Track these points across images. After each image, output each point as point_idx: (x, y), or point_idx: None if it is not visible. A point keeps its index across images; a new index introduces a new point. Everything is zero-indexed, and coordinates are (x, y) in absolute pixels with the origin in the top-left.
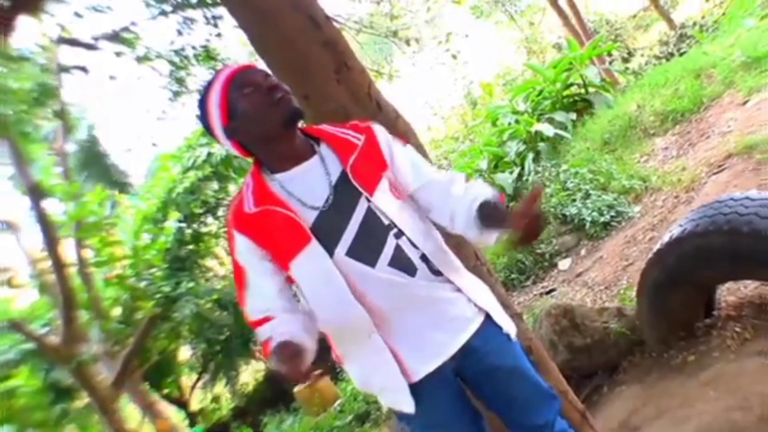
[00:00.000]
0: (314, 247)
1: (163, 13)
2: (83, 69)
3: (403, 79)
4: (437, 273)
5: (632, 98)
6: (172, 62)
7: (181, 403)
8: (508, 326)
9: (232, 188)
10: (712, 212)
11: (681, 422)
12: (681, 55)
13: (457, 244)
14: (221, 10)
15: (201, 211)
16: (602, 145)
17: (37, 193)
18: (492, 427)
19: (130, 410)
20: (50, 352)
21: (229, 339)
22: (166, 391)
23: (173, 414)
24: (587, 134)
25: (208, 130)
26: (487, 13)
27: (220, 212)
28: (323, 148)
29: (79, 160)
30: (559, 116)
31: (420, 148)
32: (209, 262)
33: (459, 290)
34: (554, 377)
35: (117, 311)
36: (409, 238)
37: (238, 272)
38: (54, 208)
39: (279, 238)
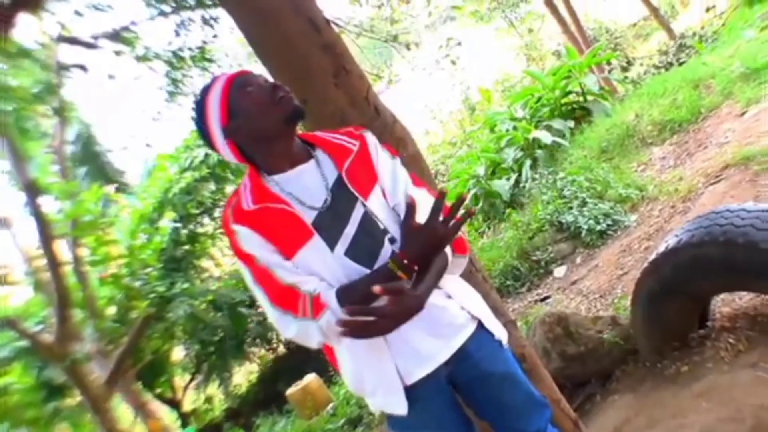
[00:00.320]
0: (317, 241)
1: (163, 13)
2: (82, 67)
3: (402, 83)
4: None
5: (631, 107)
6: (168, 62)
7: (174, 404)
8: (500, 333)
9: (229, 189)
10: (708, 223)
11: None
12: (680, 65)
13: None
14: (218, 12)
15: (197, 211)
16: (600, 153)
17: (33, 190)
18: None
19: (122, 409)
20: (44, 350)
21: (222, 340)
22: (158, 391)
23: (166, 414)
24: (585, 142)
25: (203, 132)
26: (486, 19)
27: (216, 213)
28: (319, 153)
29: (75, 157)
30: (558, 124)
31: (418, 154)
32: (205, 263)
33: (450, 297)
34: (547, 385)
35: (111, 310)
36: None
37: (249, 259)
38: (50, 205)
39: (281, 233)
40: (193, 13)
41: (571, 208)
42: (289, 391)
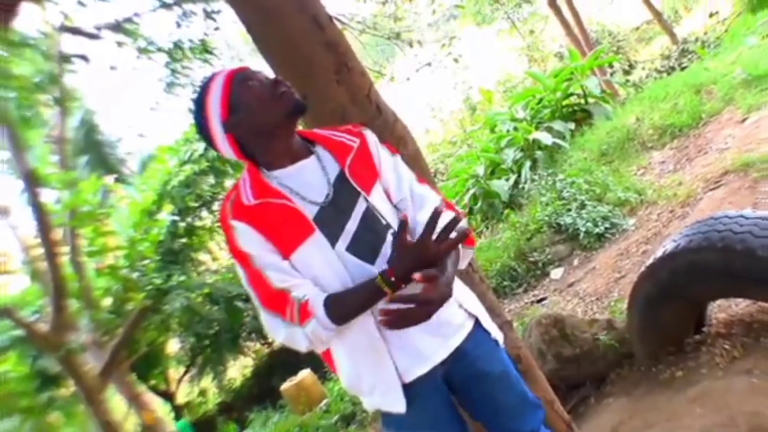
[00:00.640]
0: (318, 237)
1: (165, 5)
2: (84, 58)
3: (403, 80)
4: None
5: (631, 111)
6: (168, 53)
7: (168, 396)
8: (496, 332)
9: (228, 183)
10: (706, 229)
11: None
12: (682, 69)
13: None
14: (220, 5)
15: (196, 204)
16: (599, 156)
17: (32, 179)
18: None
19: (116, 401)
20: (39, 340)
21: (218, 334)
22: (153, 383)
23: (159, 406)
24: (585, 145)
25: (201, 127)
26: (489, 20)
27: (215, 206)
28: (319, 150)
29: (78, 146)
30: (558, 125)
31: (418, 153)
32: (202, 256)
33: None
34: (542, 387)
35: (108, 301)
36: None
37: (244, 258)
38: (49, 195)
39: (281, 229)
40: (195, 5)
41: (569, 210)
42: (284, 387)
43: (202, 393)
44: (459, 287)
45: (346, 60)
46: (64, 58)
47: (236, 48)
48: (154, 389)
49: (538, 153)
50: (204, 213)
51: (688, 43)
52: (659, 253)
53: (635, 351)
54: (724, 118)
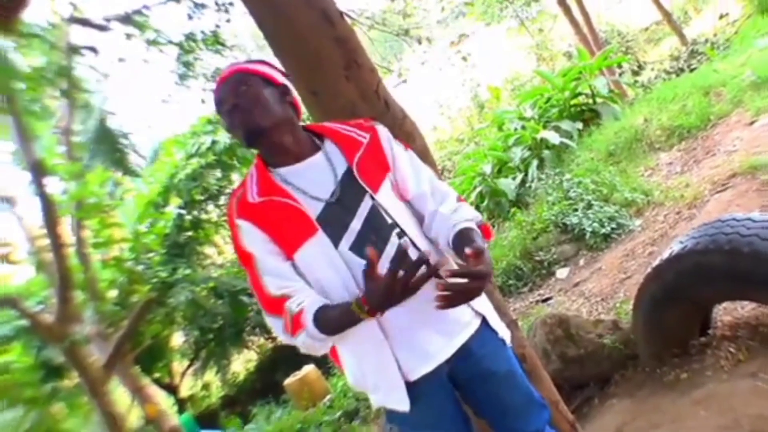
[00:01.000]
0: (321, 237)
1: None
2: (93, 49)
3: (411, 77)
4: (437, 275)
5: (640, 111)
6: (180, 46)
7: (171, 389)
8: (503, 331)
9: (235, 177)
10: (713, 231)
11: None
12: (691, 71)
13: None
14: None
15: (202, 198)
16: (607, 156)
17: (39, 170)
18: None
19: (119, 393)
20: (44, 330)
21: (222, 328)
22: (156, 375)
23: (162, 399)
24: (593, 145)
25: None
26: (498, 19)
27: (222, 200)
28: (328, 145)
29: (91, 137)
30: (566, 125)
31: (425, 150)
32: (208, 250)
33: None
34: (546, 387)
35: (113, 293)
36: (411, 239)
37: (246, 259)
38: (55, 186)
39: (284, 228)
40: None
41: (576, 209)
42: (287, 382)
43: (206, 387)
44: None
45: (356, 56)
46: (73, 50)
47: (242, 40)
48: (158, 382)
49: (546, 152)
50: (210, 206)
51: (698, 44)
52: (665, 255)
53: (640, 352)
54: (732, 120)
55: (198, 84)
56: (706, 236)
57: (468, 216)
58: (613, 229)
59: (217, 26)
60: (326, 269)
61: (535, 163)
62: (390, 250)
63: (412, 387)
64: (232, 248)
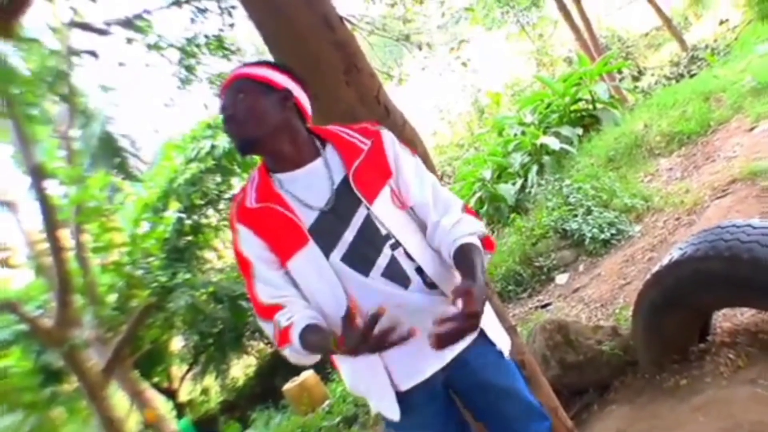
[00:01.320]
0: (311, 248)
1: (177, 2)
2: (93, 54)
3: (411, 82)
4: (432, 285)
5: (640, 117)
6: (183, 50)
7: (170, 393)
8: (502, 343)
9: (235, 181)
10: (713, 237)
11: None
12: (691, 77)
13: None
14: (235, 1)
15: (202, 202)
16: (607, 162)
17: (38, 174)
18: None
19: (118, 397)
20: (43, 335)
21: (222, 332)
22: (155, 380)
23: (162, 404)
24: (593, 150)
25: None
26: (498, 24)
27: (222, 205)
28: (328, 151)
29: (92, 142)
30: (566, 130)
31: (426, 155)
32: (207, 255)
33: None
34: (545, 393)
35: (112, 298)
36: (406, 250)
37: (244, 264)
38: (55, 191)
39: (278, 236)
40: (209, 1)
41: (576, 215)
42: (286, 387)
43: (205, 391)
44: None
45: (356, 61)
46: (73, 54)
47: (251, 44)
48: (157, 387)
49: (546, 158)
50: (210, 211)
51: (698, 50)
52: (665, 261)
53: (639, 358)
54: (732, 126)
55: (201, 88)
56: (705, 242)
57: (469, 230)
58: (612, 234)
59: (221, 30)
60: (317, 280)
61: (534, 168)
62: (382, 261)
63: (404, 396)
64: (233, 252)
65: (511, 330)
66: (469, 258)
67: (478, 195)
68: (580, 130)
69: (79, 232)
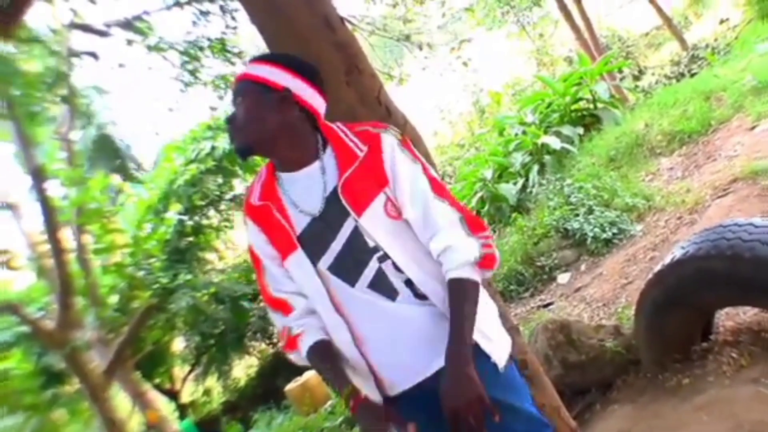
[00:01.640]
0: (300, 254)
1: (178, 3)
2: (93, 55)
3: (412, 83)
4: (422, 297)
5: (640, 116)
6: (185, 53)
7: (172, 395)
8: (498, 355)
9: (236, 182)
10: (715, 236)
11: None
12: (692, 76)
13: None
14: (237, 4)
15: (202, 203)
16: (608, 161)
17: (39, 176)
18: None
19: (120, 398)
20: (44, 337)
21: (223, 333)
22: (157, 381)
23: (164, 405)
24: (593, 150)
25: None
26: (499, 24)
27: (222, 205)
28: (327, 154)
29: (92, 144)
30: (567, 130)
31: (427, 155)
32: (209, 255)
33: (443, 315)
34: (548, 393)
35: (113, 299)
36: (394, 263)
37: (253, 255)
38: (56, 192)
39: (274, 237)
40: (211, 4)
41: (577, 215)
42: (288, 387)
43: (207, 392)
44: None
45: (357, 62)
46: (74, 55)
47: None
48: (159, 388)
49: (547, 157)
50: (211, 212)
51: (698, 49)
52: (667, 260)
53: (642, 358)
54: (733, 125)
55: (204, 91)
56: (707, 241)
57: (458, 260)
58: (614, 234)
59: (224, 33)
60: (306, 285)
61: (536, 168)
62: (368, 273)
63: (394, 400)
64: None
65: (513, 330)
66: (454, 311)
67: (479, 195)
68: (581, 130)
69: (81, 233)
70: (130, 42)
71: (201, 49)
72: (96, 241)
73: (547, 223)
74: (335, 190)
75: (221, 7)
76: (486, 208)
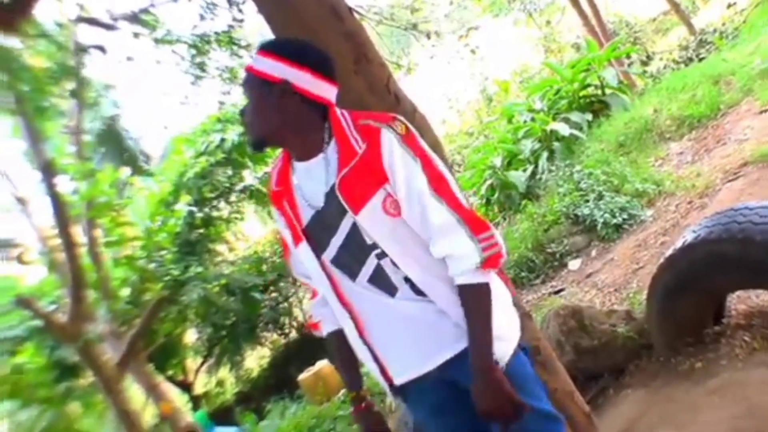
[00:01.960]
0: (305, 246)
1: None
2: (101, 48)
3: (419, 71)
4: (421, 293)
5: (649, 102)
6: (193, 46)
7: (185, 386)
8: (500, 353)
9: (245, 173)
10: (726, 220)
11: (686, 429)
12: (700, 60)
13: None
14: None
15: (212, 195)
16: (617, 147)
17: (49, 170)
18: None
19: (134, 391)
20: (57, 330)
21: (235, 324)
22: (170, 373)
23: (177, 396)
24: (602, 136)
25: None
26: (506, 10)
27: (232, 197)
28: (331, 148)
29: (99, 137)
30: (575, 116)
31: (436, 143)
32: (219, 247)
33: (444, 312)
34: (561, 378)
35: (125, 292)
36: (392, 260)
37: (282, 236)
38: (66, 186)
39: (287, 224)
40: None
41: (587, 201)
42: (301, 377)
43: (220, 383)
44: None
45: (365, 51)
46: (81, 49)
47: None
48: (172, 379)
49: (556, 144)
50: (221, 204)
51: (706, 33)
52: (678, 244)
53: (654, 342)
54: (742, 109)
55: (214, 84)
56: (718, 225)
57: (461, 268)
58: (624, 219)
59: (230, 26)
60: (313, 274)
61: (545, 155)
62: (367, 269)
63: (400, 388)
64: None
65: (525, 316)
66: (468, 316)
67: (488, 182)
68: (589, 116)
69: (91, 227)
70: (137, 35)
71: (208, 42)
72: (106, 235)
73: (557, 209)
74: (333, 187)
75: (228, 0)
76: (496, 195)
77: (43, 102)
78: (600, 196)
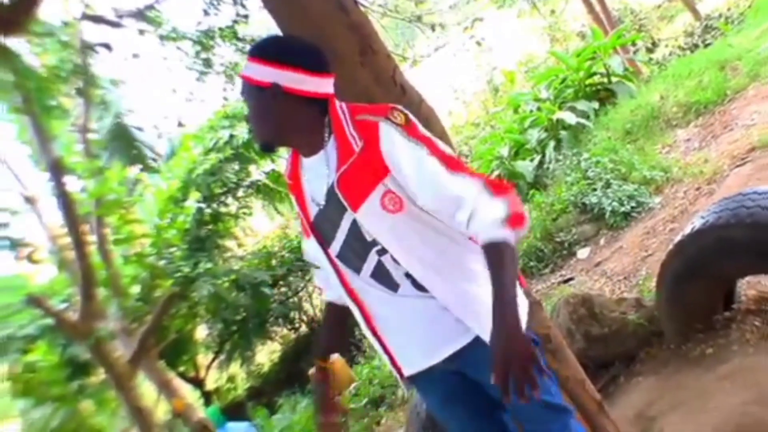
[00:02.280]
0: (313, 240)
1: None
2: (107, 46)
3: (425, 63)
4: (423, 288)
5: (655, 89)
6: (198, 42)
7: (197, 382)
8: None
9: (253, 169)
10: (734, 205)
11: (697, 415)
12: (706, 46)
13: None
14: None
15: (221, 191)
16: (624, 134)
17: (58, 169)
18: None
19: (146, 388)
20: (68, 328)
21: (245, 320)
22: (182, 369)
23: (189, 392)
24: (609, 124)
25: None
26: (510, 1)
27: (240, 192)
28: (330, 145)
29: (107, 135)
30: (582, 105)
31: (443, 134)
32: (228, 243)
33: (446, 309)
34: (572, 366)
35: (136, 289)
36: (393, 257)
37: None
38: (74, 184)
39: (301, 214)
40: None
41: (595, 189)
42: (312, 371)
43: (231, 379)
44: (464, 300)
45: (371, 42)
46: (87, 47)
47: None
48: (183, 376)
49: (562, 133)
50: (229, 199)
51: (712, 19)
52: (687, 230)
53: (664, 329)
54: (749, 94)
55: (219, 80)
56: (727, 210)
57: (486, 221)
58: (632, 207)
59: (235, 21)
60: (323, 266)
61: (552, 144)
62: (369, 265)
63: (411, 379)
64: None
65: (535, 305)
66: (492, 275)
67: (496, 173)
68: (596, 104)
69: (100, 225)
70: (142, 32)
71: (213, 37)
72: (116, 232)
73: (565, 198)
74: (333, 185)
75: None
76: None
77: (50, 101)
78: (608, 185)
